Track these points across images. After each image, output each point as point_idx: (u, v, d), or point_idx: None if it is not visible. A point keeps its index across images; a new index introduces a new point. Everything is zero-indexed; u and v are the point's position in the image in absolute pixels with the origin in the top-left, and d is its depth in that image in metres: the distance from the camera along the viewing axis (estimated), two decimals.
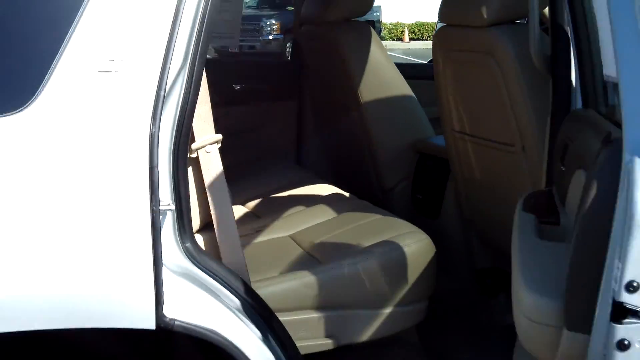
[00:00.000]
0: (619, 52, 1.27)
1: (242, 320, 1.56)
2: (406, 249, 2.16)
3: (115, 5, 1.45)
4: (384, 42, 3.76)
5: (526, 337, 1.48)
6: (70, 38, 1.42)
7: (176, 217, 1.49)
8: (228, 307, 1.56)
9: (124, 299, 1.43)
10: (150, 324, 1.45)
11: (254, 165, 3.12)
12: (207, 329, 1.49)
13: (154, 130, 1.43)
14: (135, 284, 1.43)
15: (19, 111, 1.39)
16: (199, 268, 1.53)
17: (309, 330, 2.04)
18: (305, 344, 2.00)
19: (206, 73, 1.66)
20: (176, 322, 1.46)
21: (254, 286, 1.74)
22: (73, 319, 1.41)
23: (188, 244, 1.52)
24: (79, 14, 1.42)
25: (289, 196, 2.77)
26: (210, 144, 1.73)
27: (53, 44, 1.41)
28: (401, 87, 2.97)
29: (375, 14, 17.02)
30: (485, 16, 2.15)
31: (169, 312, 1.45)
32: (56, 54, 1.41)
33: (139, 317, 1.44)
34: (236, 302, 1.59)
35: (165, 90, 1.45)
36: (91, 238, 1.41)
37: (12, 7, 1.44)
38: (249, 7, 14.54)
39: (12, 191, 1.37)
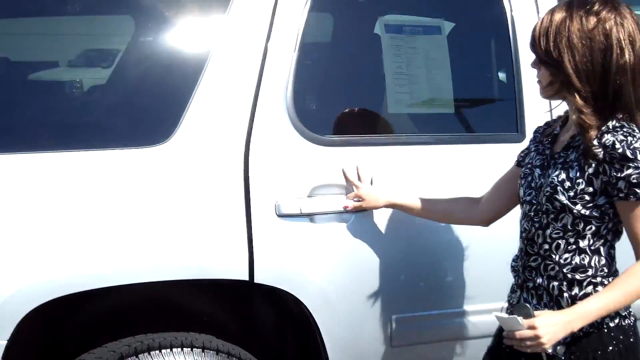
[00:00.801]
0: None
1: (312, 281, 2.32)
2: None
3: (218, 75, 2.29)
4: None
5: None
6: (193, 97, 2.26)
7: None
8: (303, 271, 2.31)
9: (232, 263, 2.25)
10: (245, 278, 2.27)
11: None
12: (283, 286, 2.29)
13: (248, 155, 2.27)
14: (236, 253, 2.25)
15: (164, 143, 2.23)
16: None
17: None
18: None
19: None
20: (261, 279, 2.27)
21: None
22: (204, 274, 2.23)
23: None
24: (198, 82, 2.27)
25: None
26: None
27: (183, 100, 2.26)
28: None
29: None
30: None
31: (258, 271, 2.27)
32: (185, 107, 2.25)
33: (240, 272, 2.26)
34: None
35: (252, 127, 2.29)
36: (211, 223, 2.23)
37: (157, 77, 2.31)
38: None
39: (159, 194, 2.21)
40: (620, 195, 1.82)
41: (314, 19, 2.44)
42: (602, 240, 1.89)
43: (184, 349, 2.29)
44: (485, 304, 2.48)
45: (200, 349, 2.30)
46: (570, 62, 1.84)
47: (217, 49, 2.30)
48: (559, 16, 1.88)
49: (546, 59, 1.88)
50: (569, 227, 1.89)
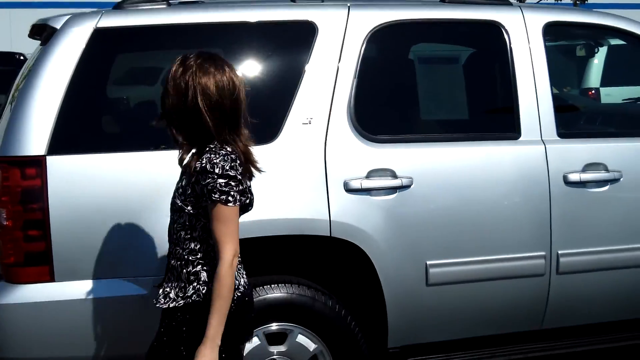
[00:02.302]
0: None
1: (370, 236, 3.34)
2: None
3: (307, 92, 3.34)
4: None
5: None
6: (291, 106, 3.31)
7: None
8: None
9: (317, 222, 3.30)
10: (326, 233, 3.31)
11: None
12: (350, 239, 3.32)
13: (326, 150, 3.31)
14: (321, 217, 3.29)
15: (271, 142, 3.28)
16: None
17: None
18: None
19: None
20: (336, 234, 3.30)
21: None
22: (302, 230, 3.27)
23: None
24: (294, 98, 3.32)
25: None
26: None
27: (284, 111, 3.31)
28: None
29: None
30: None
31: (334, 229, 3.30)
32: (286, 114, 3.30)
33: (324, 229, 3.30)
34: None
35: (328, 130, 3.34)
36: (305, 197, 3.27)
37: (267, 93, 3.36)
38: None
39: (272, 178, 3.24)
40: (204, 199, 2.39)
41: (367, 51, 3.47)
42: (209, 232, 2.44)
43: (280, 284, 3.33)
44: (496, 255, 3.51)
45: (296, 284, 3.34)
46: (167, 102, 2.40)
47: (306, 74, 3.36)
48: (172, 66, 2.41)
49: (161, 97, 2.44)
50: (187, 222, 2.47)
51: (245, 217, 3.18)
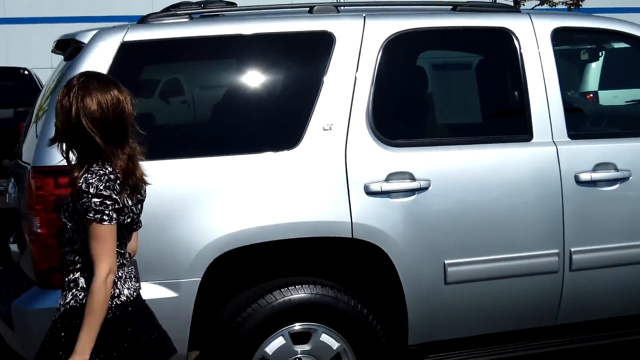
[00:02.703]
0: None
1: (389, 236, 3.47)
2: None
3: (327, 100, 3.46)
4: None
5: None
6: (312, 113, 3.43)
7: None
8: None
9: (339, 224, 3.42)
10: (348, 235, 3.43)
11: None
12: (371, 240, 3.45)
13: (345, 151, 3.43)
14: (343, 219, 3.41)
15: (293, 148, 3.41)
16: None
17: None
18: None
19: None
20: (359, 236, 3.43)
21: None
22: (325, 232, 3.40)
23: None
24: (314, 106, 3.44)
25: None
26: None
27: (306, 116, 3.43)
28: None
29: None
30: None
31: (355, 231, 3.42)
32: (308, 121, 3.42)
33: (345, 231, 3.42)
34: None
35: (347, 136, 3.46)
36: (327, 200, 3.39)
37: (290, 102, 3.48)
38: None
39: (295, 182, 3.37)
40: (81, 217, 2.47)
41: (383, 59, 3.60)
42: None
43: (304, 285, 3.45)
44: (511, 253, 3.63)
45: (319, 285, 3.46)
46: (56, 122, 2.52)
47: (326, 82, 3.49)
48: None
49: None
50: (70, 236, 2.56)
51: (271, 221, 3.33)
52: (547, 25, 3.86)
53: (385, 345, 3.57)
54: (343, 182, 3.45)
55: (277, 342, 3.43)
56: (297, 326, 3.46)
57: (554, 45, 3.84)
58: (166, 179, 3.28)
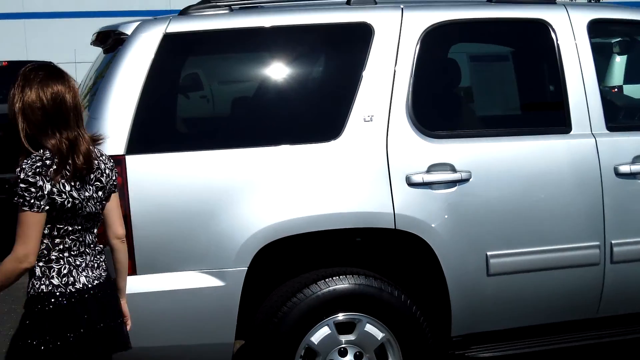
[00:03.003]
0: None
1: (432, 227, 3.47)
2: None
3: (367, 91, 3.48)
4: None
5: None
6: (353, 104, 3.45)
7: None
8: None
9: (382, 215, 3.42)
10: (391, 226, 3.43)
11: None
12: (413, 231, 3.45)
13: (386, 142, 3.44)
14: (386, 210, 3.42)
15: (335, 139, 3.42)
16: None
17: None
18: None
19: None
20: (400, 226, 3.43)
21: None
22: (368, 223, 3.40)
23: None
24: (355, 97, 3.46)
25: None
26: None
27: (347, 107, 3.44)
28: None
29: None
30: None
31: (398, 222, 3.43)
32: (349, 112, 3.44)
33: (389, 222, 3.42)
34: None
35: (388, 127, 3.47)
36: (370, 191, 3.40)
37: (331, 95, 3.50)
38: None
39: (338, 173, 3.38)
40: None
41: (422, 50, 3.61)
42: (48, 234, 2.57)
43: (348, 275, 3.45)
44: (552, 245, 3.62)
45: (363, 275, 3.46)
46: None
47: (366, 73, 3.50)
48: None
49: None
50: None
51: (315, 212, 3.34)
52: (583, 16, 3.87)
53: (429, 336, 3.56)
54: (385, 173, 3.46)
55: (322, 332, 3.44)
56: (342, 316, 3.46)
57: (590, 37, 3.84)
58: (212, 170, 3.30)
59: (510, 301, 3.68)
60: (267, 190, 3.33)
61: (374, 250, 3.66)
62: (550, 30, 3.80)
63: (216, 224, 3.27)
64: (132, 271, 3.21)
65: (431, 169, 3.51)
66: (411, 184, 3.48)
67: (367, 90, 3.51)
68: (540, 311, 3.75)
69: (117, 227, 2.81)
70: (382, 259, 3.67)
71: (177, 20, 3.44)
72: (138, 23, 3.45)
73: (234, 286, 3.29)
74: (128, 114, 3.25)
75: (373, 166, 3.46)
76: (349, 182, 3.43)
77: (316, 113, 3.54)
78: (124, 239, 2.84)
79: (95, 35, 3.88)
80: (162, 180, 3.25)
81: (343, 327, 3.48)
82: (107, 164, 2.74)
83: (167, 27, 3.38)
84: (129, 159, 3.22)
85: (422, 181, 3.48)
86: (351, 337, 3.48)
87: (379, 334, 3.50)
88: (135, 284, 3.21)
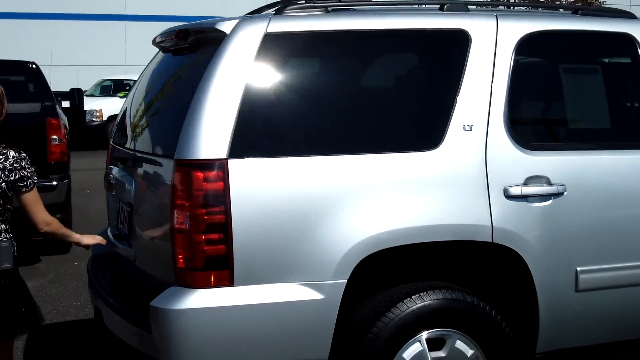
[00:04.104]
0: None
1: (527, 241, 3.38)
2: None
3: (465, 102, 3.37)
4: None
5: None
6: (452, 113, 3.34)
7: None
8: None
9: (480, 228, 3.33)
10: (488, 239, 3.34)
11: None
12: (510, 245, 3.36)
13: (485, 153, 3.35)
14: (484, 223, 3.32)
15: (435, 149, 3.31)
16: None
17: None
18: None
19: None
20: (498, 240, 3.34)
21: None
22: (460, 235, 3.31)
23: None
24: (454, 108, 3.35)
25: None
26: None
27: (446, 115, 3.34)
28: None
29: None
30: None
31: (495, 235, 3.34)
32: (448, 120, 3.33)
33: (486, 235, 3.33)
34: None
35: (487, 138, 3.37)
36: (469, 203, 3.30)
37: (431, 106, 3.39)
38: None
39: (438, 183, 3.27)
40: None
41: (517, 60, 3.52)
42: None
43: (441, 290, 3.35)
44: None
45: (456, 290, 3.36)
46: None
47: (464, 81, 3.40)
48: None
49: None
50: None
51: (416, 222, 3.24)
52: None
53: (517, 353, 3.48)
54: (483, 184, 3.37)
55: (413, 348, 3.32)
56: (434, 332, 3.35)
57: None
58: (314, 177, 3.16)
59: (595, 317, 3.62)
60: (367, 199, 3.20)
61: (459, 263, 3.56)
62: (637, 44, 3.74)
63: (317, 233, 3.13)
64: (230, 282, 3.07)
65: (528, 181, 3.43)
66: (508, 196, 3.39)
67: (465, 98, 3.40)
68: (626, 327, 3.69)
69: (41, 216, 3.41)
70: (468, 273, 3.57)
71: (277, 20, 3.29)
72: (237, 21, 3.28)
73: (333, 299, 3.16)
74: (230, 116, 3.09)
75: (472, 177, 3.36)
76: (448, 192, 3.32)
77: (416, 120, 3.43)
78: (51, 220, 3.45)
79: (176, 32, 3.70)
80: (265, 187, 3.10)
81: (432, 344, 3.38)
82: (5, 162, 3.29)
83: (267, 26, 3.23)
84: (232, 163, 3.06)
85: (519, 194, 3.40)
86: (441, 353, 3.37)
87: (469, 351, 3.40)
88: (232, 297, 3.07)
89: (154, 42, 4.10)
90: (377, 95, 3.45)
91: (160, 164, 3.30)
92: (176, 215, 3.07)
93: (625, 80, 3.88)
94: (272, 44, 3.22)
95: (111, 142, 4.45)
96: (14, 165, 3.31)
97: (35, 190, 3.40)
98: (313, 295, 3.14)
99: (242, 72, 3.15)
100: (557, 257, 3.48)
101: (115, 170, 4.04)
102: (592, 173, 3.56)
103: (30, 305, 3.41)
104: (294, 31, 3.30)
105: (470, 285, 3.50)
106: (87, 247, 3.76)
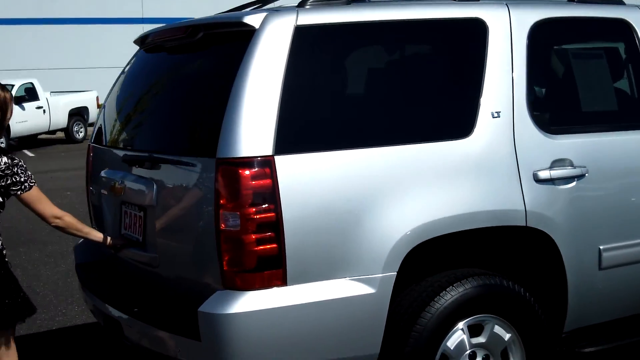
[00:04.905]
0: None
1: (556, 223, 3.44)
2: None
3: (491, 90, 3.40)
4: None
5: None
6: (480, 100, 3.36)
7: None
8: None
9: (515, 213, 3.36)
10: (522, 223, 3.38)
11: None
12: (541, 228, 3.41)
13: (513, 138, 3.38)
14: (518, 208, 3.35)
15: (467, 137, 3.32)
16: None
17: None
18: None
19: None
20: (531, 224, 3.38)
21: None
22: (498, 221, 3.33)
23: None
24: (480, 97, 3.37)
25: None
26: None
27: (475, 103, 3.35)
28: None
29: None
30: None
31: (529, 219, 3.38)
32: (477, 108, 3.34)
33: (521, 219, 3.36)
34: None
35: (514, 124, 3.41)
36: (503, 189, 3.33)
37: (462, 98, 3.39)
38: None
39: (472, 171, 3.28)
40: None
41: (531, 47, 3.57)
42: None
43: (480, 276, 3.36)
44: None
45: (493, 275, 3.38)
46: None
47: (487, 69, 3.42)
48: None
49: None
50: None
51: (458, 211, 3.24)
52: None
53: (549, 333, 3.54)
54: (514, 169, 3.40)
55: (456, 336, 3.32)
56: (473, 319, 3.36)
57: None
58: (357, 170, 3.11)
59: (618, 293, 3.73)
60: (410, 189, 3.17)
61: (490, 248, 3.59)
62: (631, 28, 3.88)
63: (365, 226, 3.08)
64: (282, 282, 2.98)
65: (554, 165, 3.48)
66: (538, 180, 3.43)
67: (490, 85, 3.43)
68: None
69: (49, 211, 3.51)
70: (498, 257, 3.60)
71: (305, 12, 3.21)
72: (264, 14, 3.17)
73: (384, 293, 3.11)
74: (271, 112, 3.00)
75: (503, 163, 3.39)
76: (483, 179, 3.34)
77: (450, 109, 3.42)
78: (60, 215, 3.54)
79: (167, 31, 3.58)
80: (311, 182, 3.02)
81: (471, 330, 3.39)
82: None
83: (297, 18, 3.16)
84: (279, 159, 2.97)
85: (548, 177, 3.45)
86: (481, 339, 3.38)
87: (506, 335, 3.42)
88: (286, 297, 2.98)
89: (141, 41, 3.95)
90: (412, 85, 3.42)
91: (192, 164, 3.17)
92: (223, 217, 2.96)
93: (630, 64, 4.00)
94: (305, 37, 3.15)
95: (93, 144, 4.26)
96: (6, 171, 3.39)
97: (35, 190, 3.49)
98: (364, 290, 3.09)
99: (278, 67, 3.06)
100: (582, 238, 3.56)
101: (114, 173, 3.85)
102: (611, 153, 3.67)
103: (24, 295, 3.53)
104: (325, 23, 3.23)
105: (500, 269, 3.53)
106: (111, 246, 3.79)
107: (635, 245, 3.70)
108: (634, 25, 3.89)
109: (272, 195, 2.94)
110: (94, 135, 4.35)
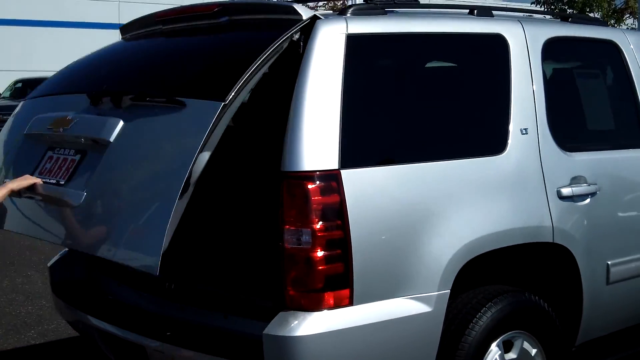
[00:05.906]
0: None
1: (576, 239, 3.52)
2: None
3: (520, 107, 3.43)
4: None
5: None
6: (510, 117, 3.37)
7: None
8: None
9: (544, 229, 3.39)
10: (550, 239, 3.42)
11: None
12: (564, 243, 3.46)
13: (539, 155, 3.43)
14: (546, 224, 3.39)
15: (504, 152, 3.32)
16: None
17: None
18: None
19: None
20: (557, 240, 3.43)
21: None
22: (529, 237, 3.35)
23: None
24: (510, 114, 3.39)
25: None
26: None
27: (506, 119, 3.36)
28: None
29: None
30: None
31: (555, 235, 3.43)
32: (508, 124, 3.36)
33: (548, 235, 3.40)
34: None
35: (538, 140, 3.46)
36: (533, 204, 3.35)
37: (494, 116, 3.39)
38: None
39: (509, 185, 3.29)
40: None
41: (545, 64, 3.65)
42: None
43: (510, 293, 3.36)
44: None
45: (522, 291, 3.40)
46: None
47: (513, 85, 3.46)
48: None
49: None
50: None
51: (498, 228, 3.23)
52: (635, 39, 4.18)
53: (568, 347, 3.60)
54: (542, 186, 3.45)
55: (493, 353, 3.30)
56: (507, 335, 3.35)
57: None
58: (414, 185, 3.04)
59: (620, 306, 3.86)
60: (458, 205, 3.13)
61: (516, 263, 3.60)
62: (618, 50, 4.06)
63: (423, 243, 3.00)
64: (349, 302, 2.84)
65: (572, 181, 3.56)
66: (561, 197, 3.50)
67: (517, 102, 3.46)
68: None
69: None
70: (522, 273, 3.63)
71: (354, 20, 3.10)
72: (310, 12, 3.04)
73: (439, 311, 3.04)
74: (334, 124, 2.86)
75: (533, 179, 3.43)
76: (517, 195, 3.35)
77: (488, 125, 3.42)
78: None
79: (187, 9, 3.37)
80: (375, 197, 2.91)
81: (504, 346, 3.38)
82: None
83: (347, 26, 3.04)
84: (345, 173, 2.84)
85: (570, 194, 3.52)
86: (512, 355, 3.38)
87: (533, 350, 3.44)
88: (354, 317, 2.85)
89: (155, 17, 3.64)
90: (457, 99, 3.39)
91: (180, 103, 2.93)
92: (289, 233, 2.78)
93: (617, 84, 4.17)
94: (356, 46, 3.04)
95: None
96: None
97: None
98: (422, 308, 3.00)
99: (335, 76, 2.93)
100: (594, 253, 3.66)
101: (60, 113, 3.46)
102: (621, 170, 3.81)
103: None
104: (373, 32, 3.14)
105: (521, 284, 3.55)
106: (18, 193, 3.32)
107: (637, 260, 3.84)
108: (620, 46, 4.06)
109: (339, 211, 2.81)
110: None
